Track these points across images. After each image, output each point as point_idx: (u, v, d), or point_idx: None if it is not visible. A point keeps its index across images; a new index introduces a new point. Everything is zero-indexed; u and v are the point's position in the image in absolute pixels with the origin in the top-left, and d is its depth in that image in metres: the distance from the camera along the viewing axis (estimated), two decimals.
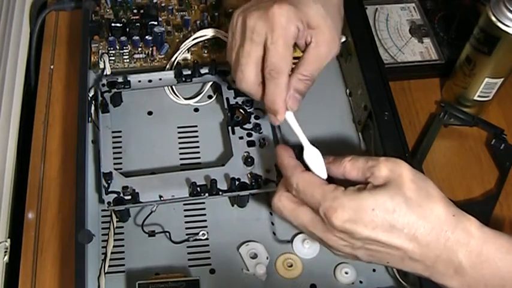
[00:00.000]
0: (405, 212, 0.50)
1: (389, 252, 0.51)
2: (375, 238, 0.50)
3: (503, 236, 0.51)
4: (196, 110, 0.75)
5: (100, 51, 0.78)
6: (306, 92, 0.61)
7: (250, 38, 0.59)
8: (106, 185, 0.64)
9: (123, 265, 0.64)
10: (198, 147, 0.72)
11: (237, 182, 0.64)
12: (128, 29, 0.78)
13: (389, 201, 0.50)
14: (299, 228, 0.56)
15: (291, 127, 0.60)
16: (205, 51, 0.78)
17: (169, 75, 0.74)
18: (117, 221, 0.66)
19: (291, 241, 0.66)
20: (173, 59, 0.77)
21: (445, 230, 0.50)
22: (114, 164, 0.67)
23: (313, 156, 0.57)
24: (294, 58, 0.60)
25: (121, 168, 0.69)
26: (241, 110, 0.71)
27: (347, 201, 0.51)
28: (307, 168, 0.57)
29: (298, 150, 0.59)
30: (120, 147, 0.71)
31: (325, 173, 0.56)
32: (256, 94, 0.61)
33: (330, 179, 0.56)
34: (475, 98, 0.77)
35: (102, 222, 0.67)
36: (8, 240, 0.67)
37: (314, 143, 0.59)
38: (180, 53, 0.77)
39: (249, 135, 0.69)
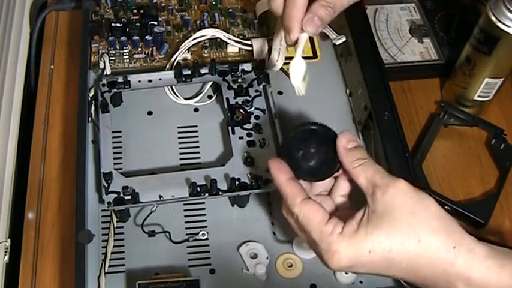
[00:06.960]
0: (401, 249, 0.49)
1: (391, 276, 0.53)
2: (373, 273, 0.51)
3: (507, 270, 0.48)
4: (196, 110, 0.75)
5: (100, 51, 0.78)
6: (326, 21, 0.61)
7: None
8: (106, 185, 0.64)
9: (123, 265, 0.64)
10: (198, 147, 0.72)
11: (237, 182, 0.64)
12: (128, 29, 0.78)
13: (385, 240, 0.49)
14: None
15: (297, 46, 0.61)
16: (205, 51, 0.78)
17: (169, 75, 0.74)
18: (117, 221, 0.66)
19: (291, 241, 0.66)
20: (173, 59, 0.77)
21: (444, 263, 0.48)
22: (114, 164, 0.67)
23: (298, 67, 0.59)
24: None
25: (121, 168, 0.69)
26: (241, 110, 0.71)
27: (343, 249, 0.50)
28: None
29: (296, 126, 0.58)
30: (120, 147, 0.71)
31: (299, 82, 0.58)
32: (279, 13, 0.62)
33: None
34: (475, 98, 0.77)
35: (102, 222, 0.66)
36: (8, 240, 0.67)
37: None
38: (180, 53, 0.77)
39: (249, 135, 0.69)
